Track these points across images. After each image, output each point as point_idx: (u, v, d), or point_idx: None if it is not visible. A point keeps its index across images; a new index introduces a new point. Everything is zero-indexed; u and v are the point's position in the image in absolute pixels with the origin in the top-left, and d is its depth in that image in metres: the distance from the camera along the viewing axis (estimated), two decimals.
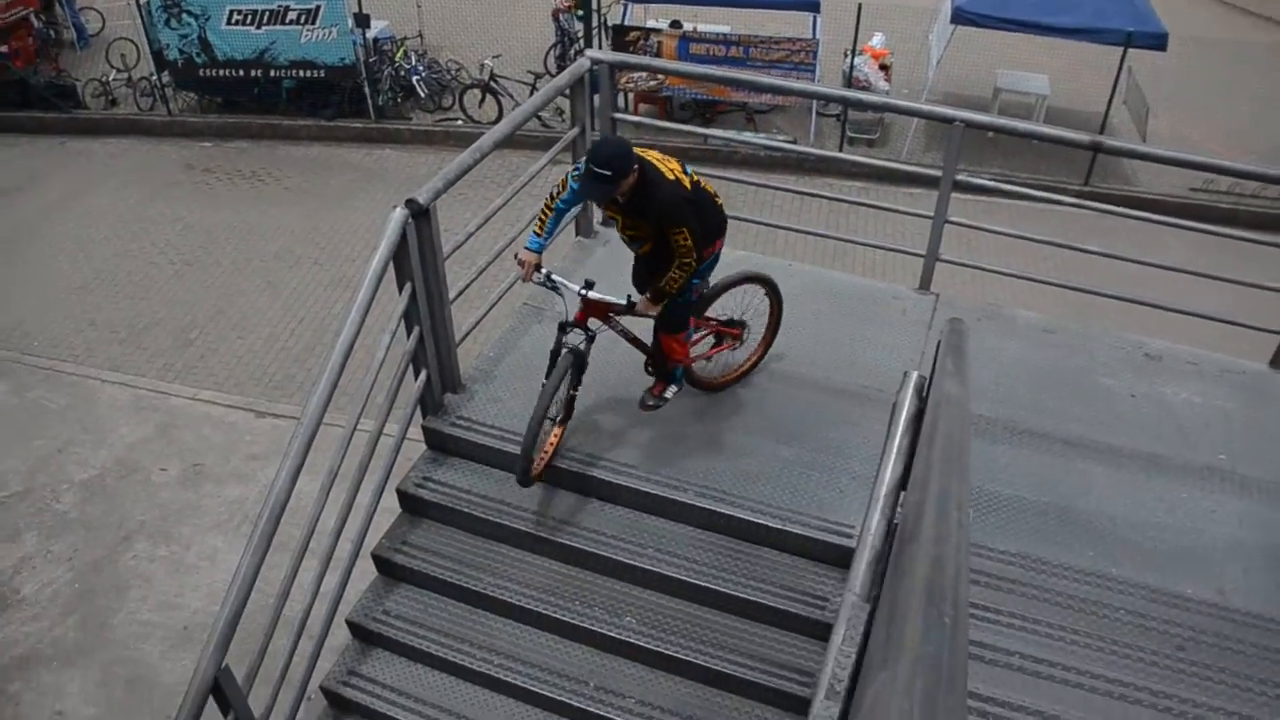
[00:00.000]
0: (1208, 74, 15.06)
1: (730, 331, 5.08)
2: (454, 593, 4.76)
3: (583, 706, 4.36)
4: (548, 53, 15.11)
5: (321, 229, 12.17)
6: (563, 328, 4.55)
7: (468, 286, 5.19)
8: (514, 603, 4.59)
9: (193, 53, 14.32)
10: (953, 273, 6.06)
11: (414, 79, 14.63)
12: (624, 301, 4.47)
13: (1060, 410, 5.21)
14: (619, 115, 6.24)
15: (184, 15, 14.07)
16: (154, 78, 14.79)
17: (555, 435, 4.72)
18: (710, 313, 4.94)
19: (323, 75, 14.37)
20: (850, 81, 13.68)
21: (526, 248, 4.50)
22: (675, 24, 14.10)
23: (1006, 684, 3.90)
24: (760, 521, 4.50)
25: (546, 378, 4.49)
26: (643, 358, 4.94)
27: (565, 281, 4.51)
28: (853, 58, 13.72)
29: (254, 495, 8.09)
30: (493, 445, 4.87)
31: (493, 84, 14.17)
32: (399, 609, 4.77)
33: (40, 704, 6.59)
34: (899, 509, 2.84)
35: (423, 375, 4.87)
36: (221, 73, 14.52)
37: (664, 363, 4.83)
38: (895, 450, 3.18)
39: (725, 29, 13.92)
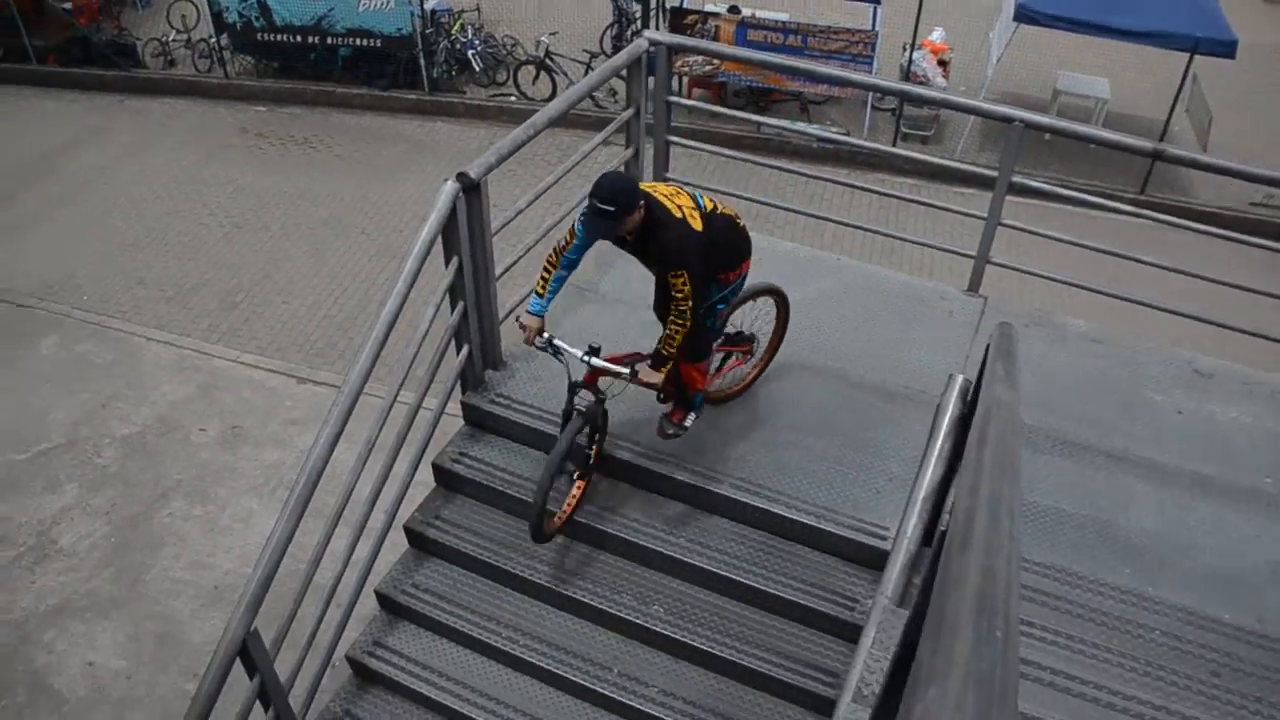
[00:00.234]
0: (1269, 82, 14.71)
1: (741, 348, 4.98)
2: (483, 570, 4.77)
3: (605, 692, 4.36)
4: (604, 32, 15.04)
5: (370, 198, 12.23)
6: (572, 389, 4.38)
7: (514, 264, 5.18)
8: (542, 584, 4.59)
9: (251, 16, 14.39)
10: (999, 276, 5.96)
11: (469, 53, 14.63)
12: (626, 371, 4.27)
13: (1105, 423, 5.12)
14: (673, 98, 6.19)
15: None
16: (212, 40, 14.89)
17: (578, 488, 4.61)
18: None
19: (379, 45, 14.40)
20: (908, 76, 13.50)
21: (529, 311, 4.33)
22: (734, 9, 13.98)
23: (1035, 698, 3.84)
24: (795, 518, 4.47)
25: (560, 433, 4.37)
26: None
27: (569, 348, 4.32)
28: (911, 52, 13.54)
29: (290, 460, 8.16)
30: (530, 425, 4.87)
31: (548, 61, 14.14)
32: (428, 583, 4.79)
33: (73, 653, 6.71)
34: (945, 515, 2.80)
35: (464, 350, 4.88)
36: (279, 38, 14.58)
37: (684, 390, 4.65)
38: (936, 454, 3.13)
39: (784, 16, 13.79)
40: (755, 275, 4.67)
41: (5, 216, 11.90)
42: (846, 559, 4.45)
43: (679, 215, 4.07)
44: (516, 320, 4.49)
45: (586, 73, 13.47)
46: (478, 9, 15.59)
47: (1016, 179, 5.46)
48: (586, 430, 4.43)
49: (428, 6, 14.46)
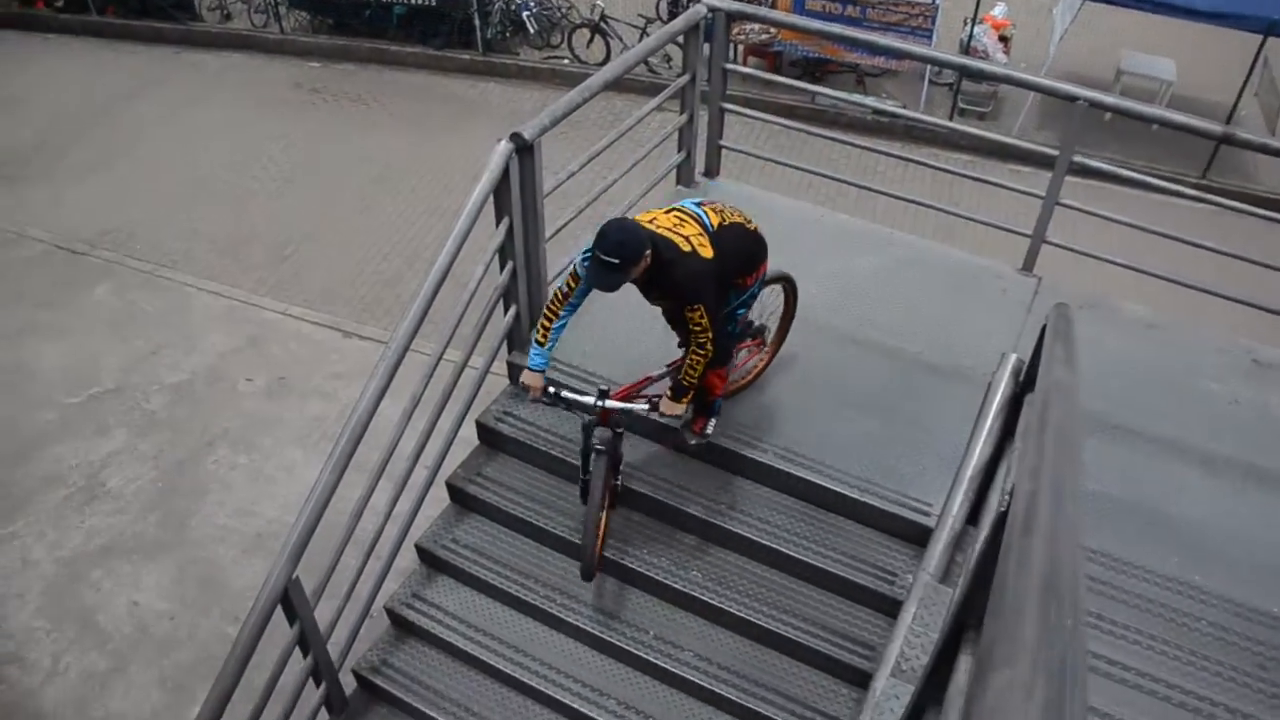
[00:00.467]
0: None
1: (753, 340, 4.88)
2: (523, 528, 4.80)
3: (640, 654, 4.39)
4: None
5: (421, 157, 12.24)
6: (587, 429, 4.27)
7: (564, 226, 5.17)
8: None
9: None
10: (1053, 256, 5.85)
11: (524, 14, 14.55)
12: (645, 406, 4.23)
13: (1158, 409, 5.03)
14: (730, 65, 6.13)
15: None
16: None
17: (603, 521, 4.54)
18: None
19: (434, 3, 14.36)
20: (968, 50, 13.25)
21: (529, 368, 4.22)
22: None
23: None
24: (838, 490, 4.45)
25: (583, 474, 4.36)
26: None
27: (578, 398, 4.24)
28: (972, 26, 13.29)
29: (335, 413, 8.24)
30: (575, 387, 4.87)
31: (603, 25, 14.03)
32: (468, 538, 4.83)
33: (118, 592, 6.84)
34: (994, 495, 2.76)
35: (512, 310, 4.88)
36: None
37: (704, 396, 4.50)
38: (986, 433, 3.10)
39: None
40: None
41: (61, 165, 12.06)
42: (887, 533, 4.43)
43: (687, 249, 3.91)
44: (519, 382, 4.44)
45: (642, 37, 13.36)
46: None
47: (1077, 159, 5.35)
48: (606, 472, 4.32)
49: None
